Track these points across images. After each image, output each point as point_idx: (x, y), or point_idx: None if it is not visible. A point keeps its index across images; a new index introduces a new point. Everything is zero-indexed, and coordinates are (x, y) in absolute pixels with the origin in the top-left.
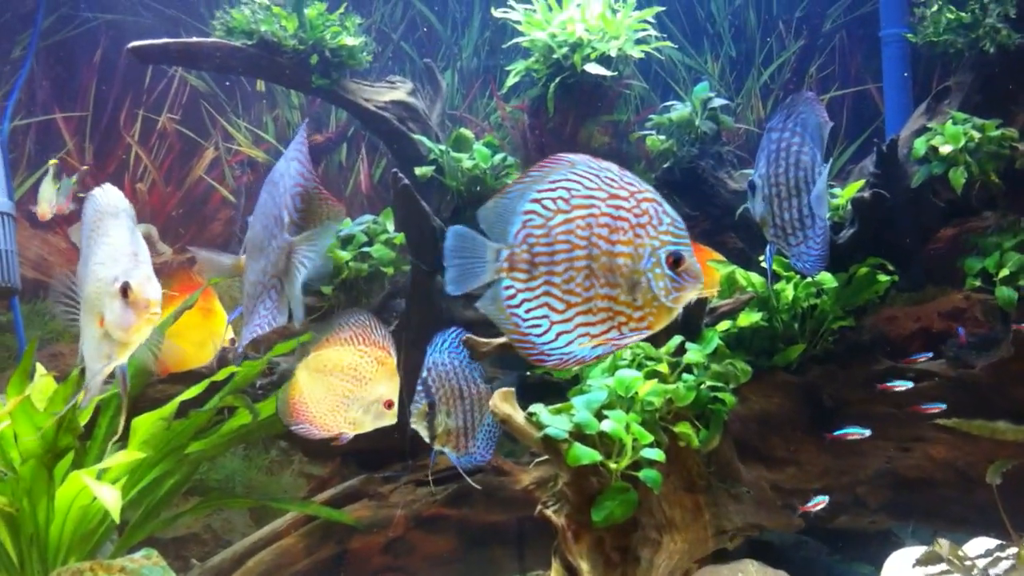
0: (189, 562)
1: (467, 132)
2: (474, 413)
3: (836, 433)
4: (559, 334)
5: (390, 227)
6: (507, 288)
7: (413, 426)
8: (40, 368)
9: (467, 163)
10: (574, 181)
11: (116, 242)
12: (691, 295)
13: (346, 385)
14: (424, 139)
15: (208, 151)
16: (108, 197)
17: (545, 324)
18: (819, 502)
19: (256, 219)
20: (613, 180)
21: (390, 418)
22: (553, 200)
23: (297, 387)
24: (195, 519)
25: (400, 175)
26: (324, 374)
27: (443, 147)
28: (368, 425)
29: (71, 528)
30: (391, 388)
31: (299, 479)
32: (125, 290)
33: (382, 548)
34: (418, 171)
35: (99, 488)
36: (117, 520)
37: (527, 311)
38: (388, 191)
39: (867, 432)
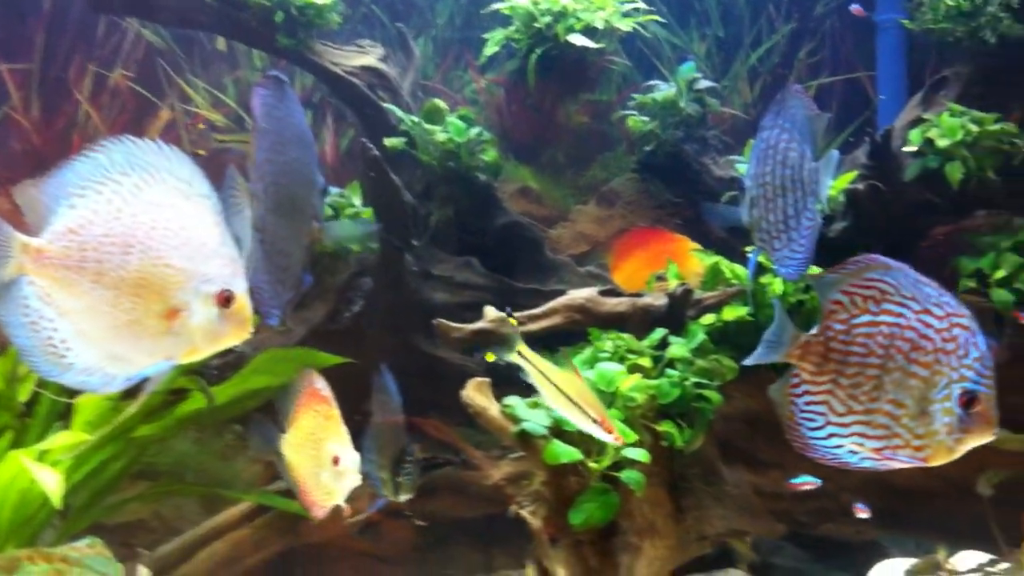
0: (136, 550)
1: (441, 103)
2: None
3: (793, 482)
4: (831, 435)
5: (357, 201)
6: (795, 375)
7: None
8: None
9: (441, 136)
10: (891, 285)
11: (201, 233)
12: (976, 442)
13: (313, 454)
14: (395, 109)
15: (163, 112)
16: (177, 168)
17: (821, 421)
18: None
19: (283, 174)
20: (930, 295)
21: (352, 477)
22: (864, 298)
23: (291, 470)
24: (143, 505)
25: (369, 145)
26: (301, 448)
27: (415, 118)
28: (339, 491)
29: (9, 513)
30: (338, 442)
31: (254, 465)
32: (228, 300)
33: (339, 542)
34: (388, 142)
35: (39, 470)
36: (58, 505)
37: (807, 403)
38: (356, 163)
39: (819, 482)
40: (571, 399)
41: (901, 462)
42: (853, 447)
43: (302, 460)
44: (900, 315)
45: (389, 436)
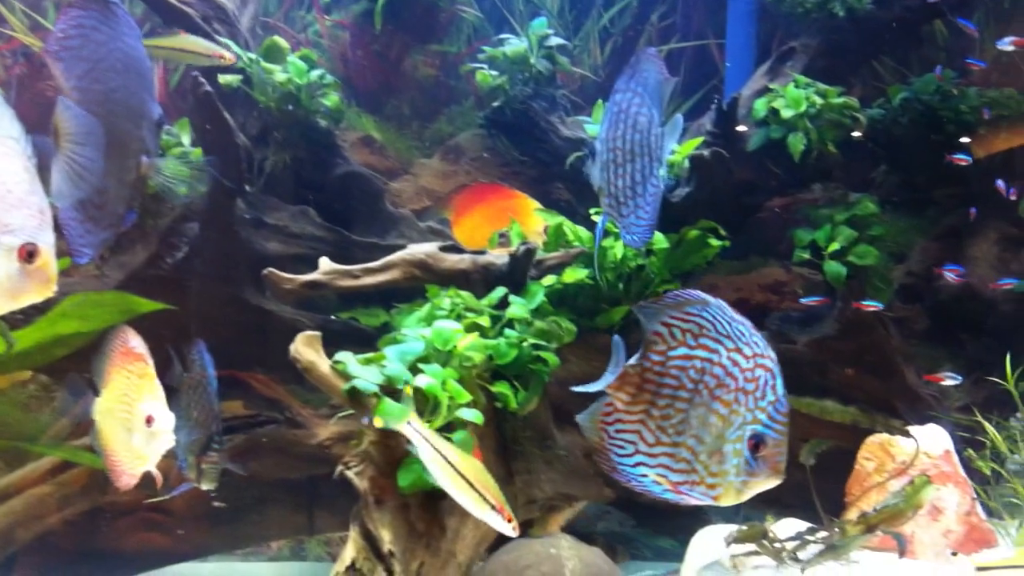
0: None
1: (282, 41)
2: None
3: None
4: (639, 464)
5: (186, 140)
6: (607, 404)
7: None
8: None
9: (280, 76)
10: (708, 320)
11: (5, 179)
12: (760, 487)
13: (125, 417)
14: (231, 44)
15: None
16: None
17: (630, 449)
18: None
19: (98, 104)
20: (742, 334)
21: (165, 439)
22: (683, 331)
23: (102, 436)
24: None
25: (202, 80)
26: (113, 413)
27: (253, 56)
28: (151, 454)
29: None
30: (152, 400)
31: (60, 419)
32: (32, 254)
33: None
34: (222, 79)
35: None
36: None
37: (617, 431)
38: (186, 100)
39: None
40: (468, 481)
41: (695, 499)
42: (657, 478)
43: (114, 425)
44: (715, 351)
45: (199, 418)
